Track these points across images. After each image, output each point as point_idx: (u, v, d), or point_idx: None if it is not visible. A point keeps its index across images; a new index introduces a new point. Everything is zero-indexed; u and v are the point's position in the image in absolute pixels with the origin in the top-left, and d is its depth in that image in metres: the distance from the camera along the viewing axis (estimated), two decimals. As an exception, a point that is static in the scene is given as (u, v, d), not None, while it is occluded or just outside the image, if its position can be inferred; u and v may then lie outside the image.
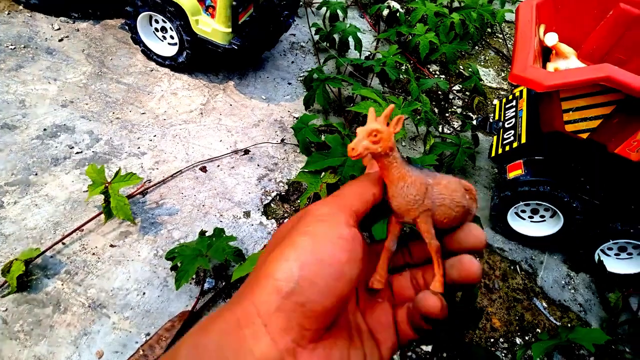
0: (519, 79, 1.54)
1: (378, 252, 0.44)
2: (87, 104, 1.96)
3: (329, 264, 0.33)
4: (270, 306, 0.31)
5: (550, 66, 1.97)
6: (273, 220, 1.79)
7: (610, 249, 1.95)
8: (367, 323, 0.40)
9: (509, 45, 3.27)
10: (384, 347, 0.40)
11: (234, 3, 1.91)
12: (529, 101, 2.07)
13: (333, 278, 0.33)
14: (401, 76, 2.57)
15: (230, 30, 1.97)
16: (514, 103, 2.19)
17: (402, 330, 0.41)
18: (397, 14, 2.82)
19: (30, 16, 2.27)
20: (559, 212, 1.86)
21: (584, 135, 1.66)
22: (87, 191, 1.58)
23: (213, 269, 1.57)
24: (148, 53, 2.21)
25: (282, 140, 2.09)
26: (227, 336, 0.31)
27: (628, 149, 1.64)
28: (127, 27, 2.18)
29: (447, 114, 2.56)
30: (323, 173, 1.84)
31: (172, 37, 2.14)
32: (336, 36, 2.62)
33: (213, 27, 1.99)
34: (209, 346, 0.31)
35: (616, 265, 1.96)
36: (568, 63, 1.94)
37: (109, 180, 1.53)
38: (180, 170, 1.81)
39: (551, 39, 1.92)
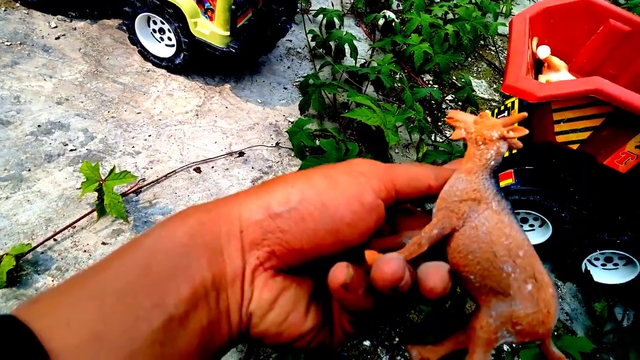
0: (511, 89, 1.57)
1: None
2: (82, 102, 1.96)
3: (329, 215, 0.31)
4: (254, 216, 0.31)
5: (542, 78, 2.01)
6: (266, 223, 1.80)
7: (597, 259, 1.98)
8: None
9: (501, 58, 3.32)
10: (344, 323, 0.36)
11: (233, 7, 1.93)
12: (521, 112, 2.10)
13: (324, 228, 0.31)
14: (395, 84, 2.60)
15: (228, 33, 1.98)
16: (505, 114, 2.22)
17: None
18: (393, 24, 2.86)
19: (27, 13, 2.27)
20: (548, 221, 1.89)
21: (575, 146, 1.69)
22: (80, 189, 1.57)
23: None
24: (145, 54, 2.22)
25: (277, 143, 2.10)
26: (203, 225, 0.31)
27: (616, 161, 1.68)
28: (124, 27, 2.19)
29: (439, 123, 2.59)
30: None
31: (169, 39, 2.15)
32: (332, 43, 2.65)
33: (211, 30, 2.00)
34: (180, 233, 0.30)
35: (602, 275, 1.99)
36: (559, 76, 1.98)
37: (103, 177, 1.53)
38: (174, 171, 1.82)
39: (543, 52, 1.96)
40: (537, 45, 1.98)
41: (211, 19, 2.00)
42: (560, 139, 1.70)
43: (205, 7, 1.99)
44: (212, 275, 0.30)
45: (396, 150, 2.33)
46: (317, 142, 2.01)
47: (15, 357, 0.22)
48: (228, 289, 0.31)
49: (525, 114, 0.38)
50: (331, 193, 0.32)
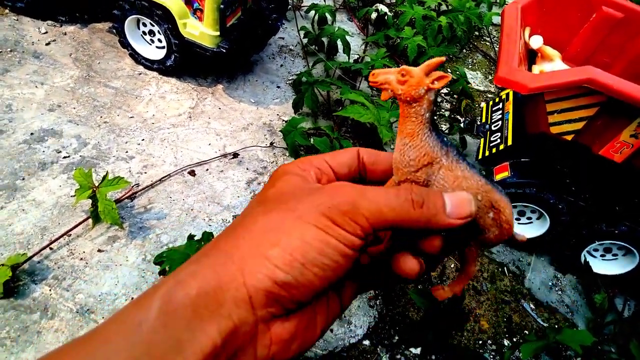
0: (504, 81, 1.55)
1: None
2: (74, 108, 1.95)
3: (331, 270, 0.34)
4: (261, 284, 0.32)
5: (536, 68, 1.99)
6: (262, 224, 1.79)
7: (596, 250, 1.97)
8: None
9: (496, 49, 3.30)
10: (345, 296, 0.41)
11: (222, 6, 1.91)
12: (515, 104, 2.09)
13: (326, 279, 0.34)
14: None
15: (218, 33, 1.97)
16: (500, 105, 2.21)
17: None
18: (386, 17, 2.84)
19: (17, 20, 2.26)
20: (545, 214, 1.88)
21: (569, 137, 1.68)
22: (74, 196, 1.57)
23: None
24: (136, 56, 2.20)
25: (271, 143, 2.09)
26: (206, 296, 0.32)
27: (612, 151, 1.67)
28: (114, 30, 2.18)
29: (434, 117, 2.58)
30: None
31: (160, 41, 2.13)
32: (325, 39, 2.63)
33: (201, 31, 1.99)
34: (185, 301, 0.31)
35: (602, 266, 1.99)
36: (553, 65, 1.97)
37: (96, 184, 1.53)
38: (168, 175, 1.81)
39: (536, 42, 1.94)
40: (530, 35, 1.97)
41: (200, 19, 1.99)
42: (554, 130, 1.68)
43: (194, 8, 1.98)
44: (223, 339, 0.31)
45: (392, 146, 2.32)
46: (312, 141, 2.00)
47: None
48: (244, 347, 0.33)
49: (443, 58, 0.38)
50: (324, 251, 0.34)
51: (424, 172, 0.38)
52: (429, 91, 0.37)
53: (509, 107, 2.11)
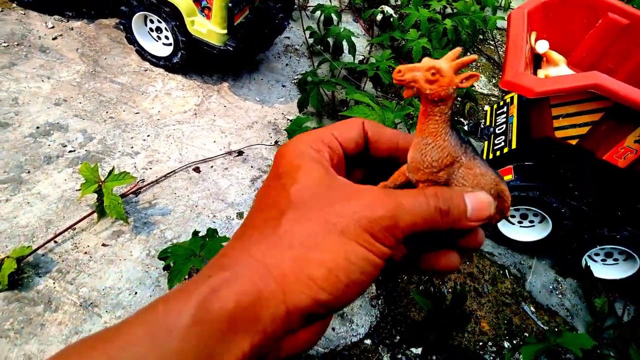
0: (510, 85, 1.56)
1: None
2: (80, 103, 1.96)
3: (367, 284, 0.35)
4: (302, 304, 0.33)
5: (541, 73, 2.00)
6: (266, 222, 1.80)
7: (597, 254, 1.98)
8: None
9: (500, 52, 3.31)
10: None
11: (230, 5, 1.92)
12: (520, 107, 2.10)
13: (361, 294, 0.35)
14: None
15: (225, 31, 1.98)
16: (504, 109, 2.22)
17: None
18: (391, 19, 2.85)
19: (24, 14, 2.26)
20: (547, 217, 1.88)
21: (574, 142, 1.69)
22: (79, 190, 1.58)
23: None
24: (142, 53, 2.21)
25: (276, 142, 2.10)
26: (244, 310, 0.31)
27: (615, 156, 1.67)
28: (121, 27, 2.18)
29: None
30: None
31: (167, 38, 2.14)
32: (330, 40, 2.64)
33: (208, 28, 1.99)
34: (221, 313, 0.31)
35: (603, 270, 2.00)
36: (558, 70, 1.97)
37: (102, 179, 1.53)
38: (173, 171, 1.82)
39: (542, 47, 1.95)
40: (536, 40, 1.98)
41: (208, 17, 1.99)
42: (559, 134, 1.69)
43: (202, 6, 1.99)
44: (253, 352, 0.31)
45: (395, 147, 2.33)
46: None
47: None
48: (267, 353, 0.33)
49: (475, 56, 0.37)
50: (364, 263, 0.34)
51: (445, 172, 0.38)
52: (455, 90, 0.36)
53: (514, 110, 2.12)
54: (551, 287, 1.99)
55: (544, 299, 1.94)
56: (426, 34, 2.87)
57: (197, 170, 1.88)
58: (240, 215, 1.78)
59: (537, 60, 2.07)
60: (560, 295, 1.97)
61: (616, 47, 2.05)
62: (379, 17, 2.95)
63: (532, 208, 1.87)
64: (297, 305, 0.32)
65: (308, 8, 2.95)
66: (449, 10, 3.26)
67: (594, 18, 2.02)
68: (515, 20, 1.86)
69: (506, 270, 1.99)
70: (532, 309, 1.90)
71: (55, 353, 0.30)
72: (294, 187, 0.36)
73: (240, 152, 1.99)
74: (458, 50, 0.36)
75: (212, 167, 1.91)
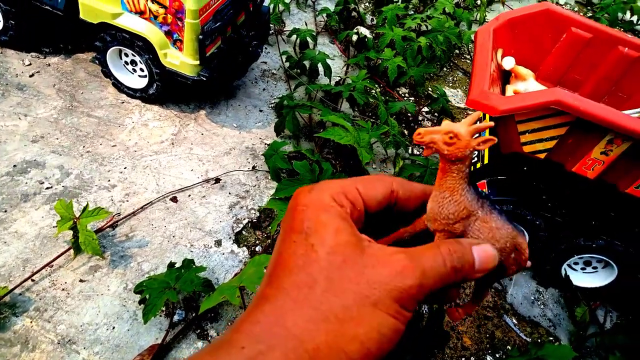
0: (475, 103, 1.60)
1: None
2: (57, 139, 1.98)
3: (384, 355, 0.36)
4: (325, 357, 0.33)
5: (510, 89, 2.04)
6: (244, 248, 1.82)
7: (576, 263, 2.00)
8: None
9: (476, 66, 3.36)
10: None
11: (201, 36, 1.96)
12: (491, 121, 2.13)
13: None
14: (371, 100, 2.63)
15: (198, 62, 2.01)
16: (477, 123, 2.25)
17: None
18: (366, 40, 2.90)
19: (1, 52, 2.29)
20: (523, 230, 1.91)
21: (542, 156, 1.72)
22: (57, 226, 1.59)
23: (183, 300, 1.58)
24: (119, 86, 2.24)
25: (254, 167, 2.12)
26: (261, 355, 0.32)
27: (584, 168, 1.70)
28: (97, 61, 2.22)
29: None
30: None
31: (142, 70, 2.17)
32: (306, 63, 2.68)
33: (181, 60, 2.03)
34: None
35: (583, 279, 2.01)
36: (526, 85, 2.02)
37: (77, 215, 1.55)
38: (150, 202, 1.83)
39: (508, 63, 1.99)
40: (502, 57, 2.02)
41: (180, 49, 2.03)
42: (527, 149, 1.72)
43: (174, 38, 2.02)
44: None
45: (373, 166, 2.36)
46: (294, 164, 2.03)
47: None
48: None
49: (492, 123, 0.41)
50: (394, 334, 0.35)
51: (461, 224, 0.41)
52: (472, 151, 0.39)
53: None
54: (533, 297, 2.01)
55: (525, 310, 1.95)
56: (401, 52, 2.92)
57: (174, 200, 1.89)
58: (218, 243, 1.80)
59: (507, 76, 2.11)
60: (542, 306, 1.99)
61: (582, 59, 2.10)
62: (355, 37, 3.00)
63: (507, 222, 1.90)
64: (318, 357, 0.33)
65: (284, 32, 3.00)
66: (424, 28, 3.32)
67: (558, 33, 2.07)
68: (481, 39, 1.91)
69: (487, 284, 2.00)
70: (514, 321, 1.91)
71: None
72: (324, 250, 0.36)
73: (217, 180, 2.01)
74: (477, 114, 0.40)
75: (189, 196, 1.92)
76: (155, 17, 2.02)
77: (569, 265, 2.00)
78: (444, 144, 0.38)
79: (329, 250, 0.36)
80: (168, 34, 2.03)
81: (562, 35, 2.07)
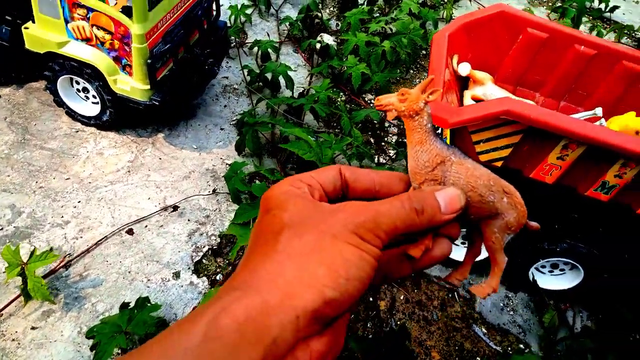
0: (426, 118, 1.57)
1: None
2: (8, 176, 1.93)
3: (366, 281, 0.37)
4: (309, 305, 0.34)
5: (467, 94, 2.02)
6: (204, 278, 1.78)
7: (543, 266, 1.99)
8: None
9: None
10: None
11: (149, 61, 1.91)
12: (450, 131, 2.11)
13: (362, 292, 0.38)
14: (334, 111, 2.59)
15: (148, 87, 1.97)
16: (440, 130, 2.23)
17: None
18: (329, 48, 2.86)
19: (-51, 87, 2.23)
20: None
21: (499, 164, 1.70)
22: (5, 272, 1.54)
23: (139, 340, 1.54)
24: (72, 114, 2.19)
25: (214, 190, 2.08)
26: (253, 321, 0.33)
27: (542, 173, 1.69)
28: (48, 90, 2.16)
29: (383, 143, 2.59)
30: (251, 224, 1.84)
31: (94, 97, 2.12)
32: (269, 75, 2.64)
33: (132, 86, 1.98)
34: (231, 327, 0.33)
35: (551, 281, 2.00)
36: (484, 89, 1.99)
37: (26, 260, 1.50)
38: (105, 237, 1.79)
39: (464, 69, 1.96)
40: (458, 62, 1.99)
41: (130, 74, 1.98)
42: (483, 158, 1.70)
43: (123, 64, 1.98)
44: None
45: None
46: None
47: None
48: None
49: (433, 76, 0.48)
50: (358, 260, 0.37)
51: (439, 169, 0.45)
52: (426, 105, 0.44)
53: (447, 133, 2.13)
54: (502, 304, 1.99)
55: (495, 318, 1.94)
56: (366, 58, 2.88)
57: (130, 232, 1.85)
58: (176, 275, 1.76)
59: (466, 81, 2.08)
60: (511, 312, 1.97)
61: (540, 59, 2.07)
62: (318, 45, 2.95)
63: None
64: (304, 307, 0.34)
65: (247, 44, 2.95)
66: (391, 30, 3.29)
67: (514, 35, 2.04)
68: (435, 46, 1.87)
69: (455, 293, 1.98)
70: (483, 330, 1.90)
71: None
72: (286, 214, 0.40)
73: (175, 207, 1.97)
74: (428, 80, 0.44)
75: (146, 226, 1.88)
76: (102, 44, 1.97)
77: (537, 269, 1.99)
78: (399, 102, 0.44)
79: (289, 213, 0.40)
80: (116, 59, 1.98)
81: (519, 37, 2.05)
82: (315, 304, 0.35)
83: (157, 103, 1.99)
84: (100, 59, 1.96)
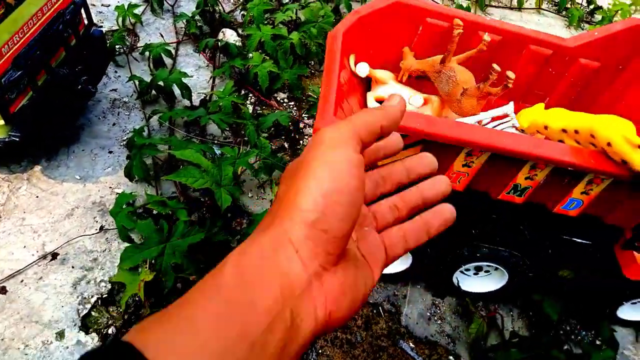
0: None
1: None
2: None
3: (347, 192, 0.36)
4: (300, 234, 0.35)
5: (370, 95, 1.86)
6: (94, 334, 1.56)
7: (467, 270, 1.90)
8: (360, 250, 0.44)
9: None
10: (376, 267, 0.44)
11: (-1, 92, 1.63)
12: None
13: (349, 204, 0.36)
14: (238, 121, 2.36)
15: (2, 122, 1.68)
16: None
17: (390, 251, 0.46)
18: (228, 47, 2.62)
19: None
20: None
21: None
22: None
23: None
24: None
25: (102, 227, 1.84)
26: (265, 259, 0.34)
27: (451, 181, 1.57)
28: None
29: (298, 147, 2.41)
30: (140, 268, 1.63)
31: (-53, 134, 1.81)
32: (162, 83, 2.38)
33: (-15, 122, 1.69)
34: (249, 267, 0.34)
35: (477, 284, 1.93)
36: (386, 89, 1.84)
37: None
38: (-34, 305, 1.53)
39: (362, 70, 1.80)
40: (356, 62, 1.82)
41: (-19, 109, 1.69)
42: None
43: (-29, 96, 1.68)
44: (284, 298, 0.34)
45: (250, 195, 2.14)
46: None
47: None
48: (300, 305, 0.35)
49: None
50: (335, 175, 0.36)
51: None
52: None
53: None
54: (429, 313, 1.89)
55: (422, 330, 1.84)
56: (273, 53, 2.67)
57: (2, 291, 1.60)
58: (60, 335, 1.53)
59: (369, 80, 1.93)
60: (439, 321, 1.88)
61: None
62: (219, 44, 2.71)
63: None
64: (298, 237, 0.35)
65: (137, 49, 2.66)
66: (299, 21, 3.07)
67: (414, 26, 1.89)
68: (329, 46, 1.69)
69: (379, 308, 1.86)
70: (411, 345, 1.79)
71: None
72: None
73: (55, 255, 1.72)
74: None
75: (22, 281, 1.63)
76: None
77: (462, 272, 1.90)
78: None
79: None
80: (-38, 92, 1.68)
81: (419, 28, 1.90)
82: (303, 232, 0.35)
83: (17, 139, 1.71)
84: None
